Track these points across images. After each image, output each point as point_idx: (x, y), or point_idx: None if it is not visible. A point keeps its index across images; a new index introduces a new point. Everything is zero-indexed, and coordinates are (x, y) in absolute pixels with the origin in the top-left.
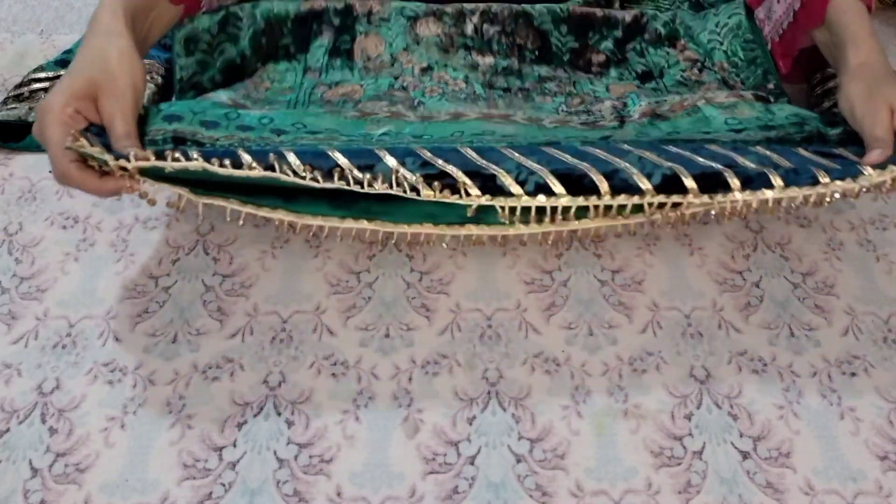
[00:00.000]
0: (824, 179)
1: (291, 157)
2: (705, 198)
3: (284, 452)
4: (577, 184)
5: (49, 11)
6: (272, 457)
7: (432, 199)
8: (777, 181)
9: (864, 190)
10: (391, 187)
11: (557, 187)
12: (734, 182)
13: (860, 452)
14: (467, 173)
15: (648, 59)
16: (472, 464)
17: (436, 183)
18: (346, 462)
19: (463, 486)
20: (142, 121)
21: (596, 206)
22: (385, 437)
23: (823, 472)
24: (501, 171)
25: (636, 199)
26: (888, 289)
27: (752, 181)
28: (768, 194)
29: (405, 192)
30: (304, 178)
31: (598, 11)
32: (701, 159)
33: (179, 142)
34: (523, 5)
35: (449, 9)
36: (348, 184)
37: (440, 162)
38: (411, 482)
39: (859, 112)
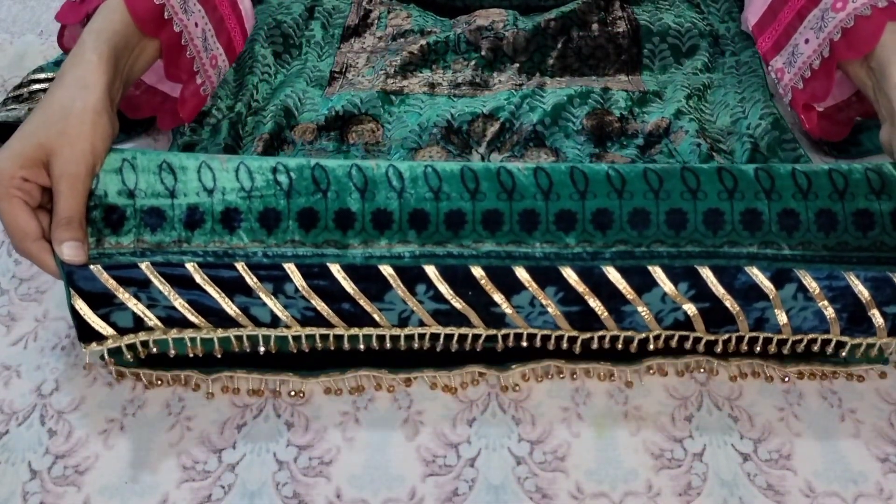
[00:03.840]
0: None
1: (293, 273)
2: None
3: (284, 454)
4: (586, 325)
5: (49, 12)
6: (272, 459)
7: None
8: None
9: None
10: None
11: (564, 324)
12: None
13: (861, 454)
14: (479, 312)
15: (678, 157)
16: (472, 466)
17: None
18: (346, 464)
19: (463, 489)
20: (119, 220)
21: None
22: (385, 439)
23: (824, 474)
24: (513, 308)
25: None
26: None
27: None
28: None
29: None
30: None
31: (614, 121)
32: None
33: (169, 255)
34: (534, 126)
35: (455, 139)
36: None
37: (453, 299)
38: (411, 484)
39: None
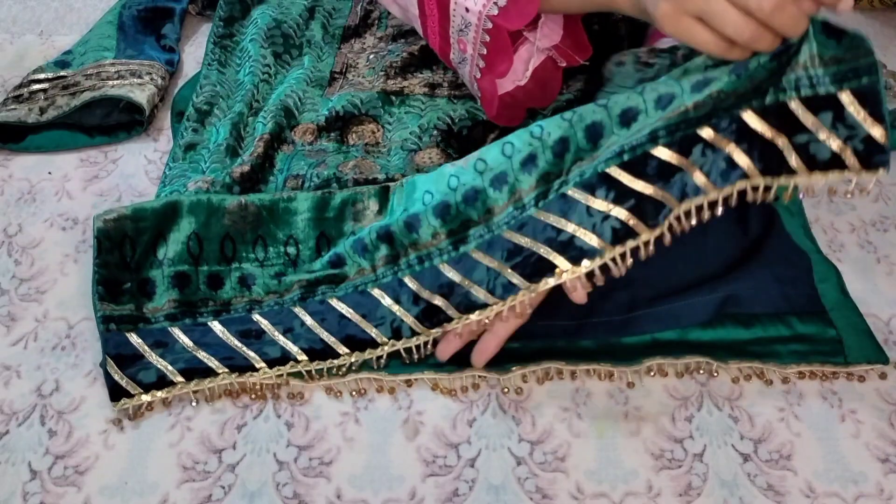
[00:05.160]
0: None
1: (300, 313)
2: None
3: (284, 454)
4: (536, 270)
5: (49, 12)
6: (272, 459)
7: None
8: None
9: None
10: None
11: (522, 282)
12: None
13: (861, 455)
14: (448, 298)
15: None
16: (472, 466)
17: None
18: (346, 464)
19: (463, 489)
20: (151, 288)
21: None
22: (385, 440)
23: (824, 475)
24: (473, 283)
25: (597, 262)
26: (889, 290)
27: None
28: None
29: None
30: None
31: None
32: None
33: (198, 314)
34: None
35: (454, 143)
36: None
37: (426, 294)
38: (411, 484)
39: None
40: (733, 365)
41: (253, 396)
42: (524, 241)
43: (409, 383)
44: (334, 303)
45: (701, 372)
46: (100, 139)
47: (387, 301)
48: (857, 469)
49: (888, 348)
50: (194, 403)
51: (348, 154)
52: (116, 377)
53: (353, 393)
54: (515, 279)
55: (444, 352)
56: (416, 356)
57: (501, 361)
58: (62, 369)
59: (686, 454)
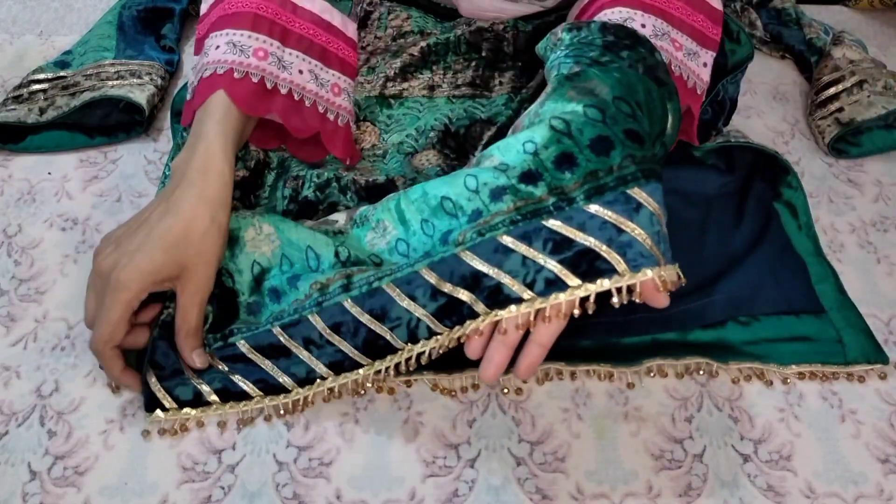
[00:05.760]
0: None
1: (317, 322)
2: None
3: (284, 455)
4: (591, 268)
5: (49, 13)
6: (271, 459)
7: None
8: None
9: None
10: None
11: (571, 279)
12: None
13: (861, 455)
14: (472, 290)
15: None
16: (472, 467)
17: (446, 322)
18: (346, 465)
19: (463, 490)
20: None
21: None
22: (385, 440)
23: (824, 475)
24: (505, 275)
25: (657, 273)
26: (889, 291)
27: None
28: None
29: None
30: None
31: None
32: None
33: (228, 335)
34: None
35: (451, 143)
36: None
37: (448, 287)
38: (411, 485)
39: None
40: (733, 365)
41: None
42: (577, 234)
43: (408, 384)
44: (347, 305)
45: (701, 372)
46: (99, 139)
47: (400, 299)
48: (857, 469)
49: (888, 348)
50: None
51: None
52: (154, 388)
53: (353, 393)
54: (562, 274)
55: (487, 371)
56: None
57: None
58: (62, 370)
59: (686, 455)
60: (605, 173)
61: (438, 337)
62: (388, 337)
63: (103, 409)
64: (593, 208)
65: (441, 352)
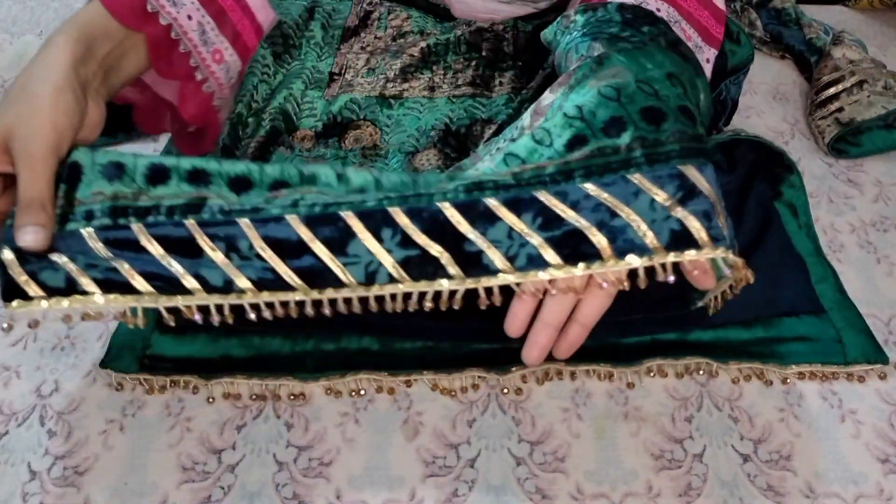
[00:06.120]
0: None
1: (250, 233)
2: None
3: (284, 455)
4: (575, 250)
5: (48, 12)
6: (271, 460)
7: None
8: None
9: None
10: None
11: (551, 256)
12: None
13: (861, 455)
14: (449, 250)
15: None
16: (472, 467)
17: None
18: (346, 465)
19: (463, 490)
20: (76, 174)
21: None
22: (384, 440)
23: (824, 475)
24: (489, 244)
25: (646, 262)
26: (889, 291)
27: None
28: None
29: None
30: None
31: None
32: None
33: (119, 213)
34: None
35: (452, 142)
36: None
37: (423, 239)
38: (411, 485)
39: None
40: (733, 365)
41: (252, 397)
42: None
43: (408, 383)
44: (293, 222)
45: (701, 372)
46: (100, 139)
47: (362, 235)
48: (857, 469)
49: (888, 348)
50: (193, 392)
51: (346, 160)
52: (13, 273)
53: (353, 393)
54: (548, 255)
55: (531, 354)
56: (398, 305)
57: (501, 361)
58: (62, 370)
59: (686, 454)
60: (612, 152)
61: (400, 285)
62: (338, 272)
63: (103, 409)
64: (590, 187)
65: (401, 301)
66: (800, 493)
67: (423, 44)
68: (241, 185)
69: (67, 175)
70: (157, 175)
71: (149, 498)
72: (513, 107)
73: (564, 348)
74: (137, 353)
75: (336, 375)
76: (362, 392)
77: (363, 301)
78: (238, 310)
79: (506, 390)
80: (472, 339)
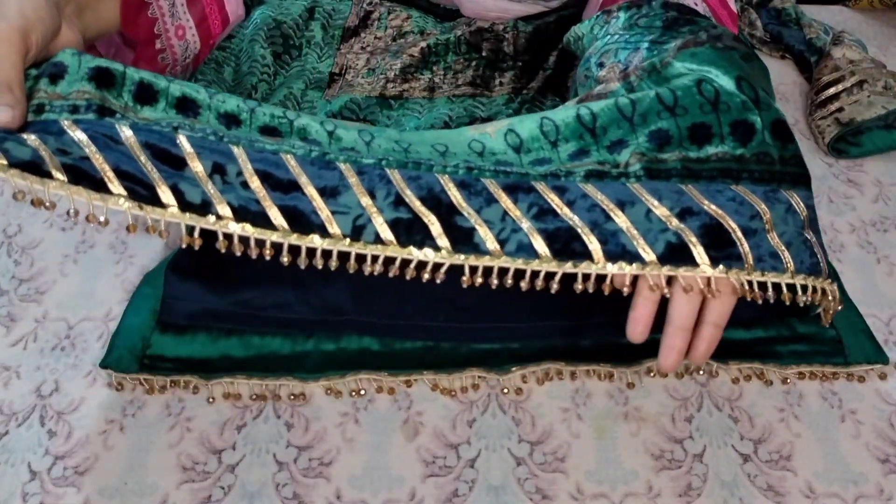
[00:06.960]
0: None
1: (241, 159)
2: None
3: (284, 455)
4: (566, 246)
5: None
6: (271, 460)
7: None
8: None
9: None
10: (356, 237)
11: (541, 246)
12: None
13: (861, 455)
14: (442, 221)
15: None
16: (472, 467)
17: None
18: (346, 465)
19: (463, 490)
20: (60, 72)
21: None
22: (384, 440)
23: (824, 475)
24: (482, 222)
25: (634, 269)
26: (889, 291)
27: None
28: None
29: (367, 244)
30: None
31: None
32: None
33: (106, 114)
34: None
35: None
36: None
37: (417, 204)
38: (411, 485)
39: None
40: (733, 365)
41: (253, 397)
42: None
43: (408, 383)
44: (289, 161)
45: (701, 372)
46: None
47: (357, 188)
48: (857, 470)
49: (888, 348)
50: (193, 392)
51: None
52: None
53: (353, 393)
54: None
55: (668, 360)
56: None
57: (501, 361)
58: (62, 370)
59: (686, 455)
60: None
61: (386, 247)
62: (324, 218)
63: (103, 409)
64: (588, 188)
65: (381, 265)
66: (800, 493)
67: (423, 44)
68: (230, 122)
69: (50, 72)
70: (146, 95)
71: (149, 498)
72: (513, 107)
73: (703, 350)
74: (137, 353)
75: (336, 375)
76: (362, 392)
77: (343, 258)
78: (209, 236)
79: (506, 390)
80: (472, 339)
